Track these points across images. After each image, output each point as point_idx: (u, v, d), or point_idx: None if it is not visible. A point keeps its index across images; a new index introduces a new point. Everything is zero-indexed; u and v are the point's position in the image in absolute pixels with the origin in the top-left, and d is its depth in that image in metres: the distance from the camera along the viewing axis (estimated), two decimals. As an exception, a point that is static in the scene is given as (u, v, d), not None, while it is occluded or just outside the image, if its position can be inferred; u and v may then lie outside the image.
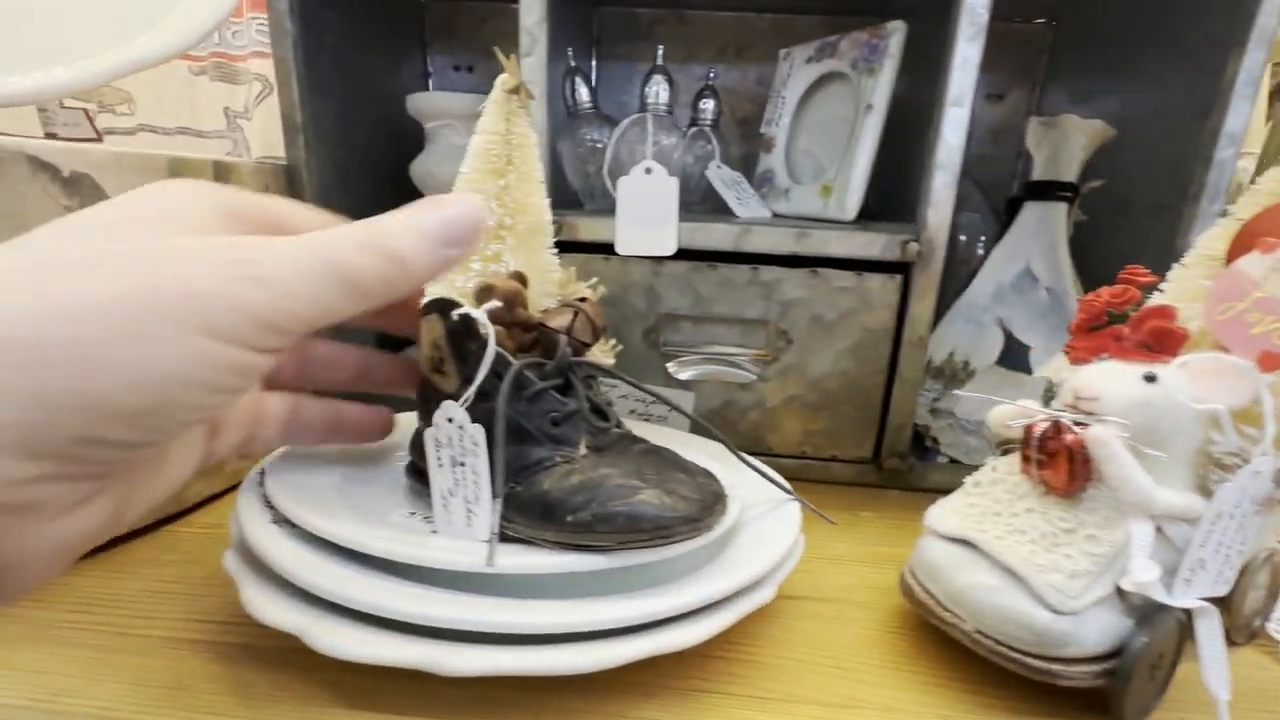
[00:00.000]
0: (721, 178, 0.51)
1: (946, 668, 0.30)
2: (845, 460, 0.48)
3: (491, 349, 0.27)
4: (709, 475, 0.29)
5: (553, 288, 0.34)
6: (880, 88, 0.45)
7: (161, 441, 0.18)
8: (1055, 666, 0.26)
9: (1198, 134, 0.42)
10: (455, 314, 0.28)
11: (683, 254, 0.44)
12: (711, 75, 0.55)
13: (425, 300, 0.30)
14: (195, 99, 0.72)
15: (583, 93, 0.48)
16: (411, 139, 0.66)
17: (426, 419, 0.29)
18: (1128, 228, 0.51)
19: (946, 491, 0.49)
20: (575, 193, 0.53)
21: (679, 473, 0.28)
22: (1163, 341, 0.29)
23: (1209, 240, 0.31)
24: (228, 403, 0.18)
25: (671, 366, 0.47)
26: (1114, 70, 0.55)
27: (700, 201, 0.55)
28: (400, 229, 0.20)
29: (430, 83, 0.68)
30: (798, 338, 0.45)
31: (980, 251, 0.55)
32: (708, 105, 0.53)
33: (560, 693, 0.27)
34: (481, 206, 0.22)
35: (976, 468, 0.48)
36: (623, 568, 0.27)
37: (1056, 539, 0.28)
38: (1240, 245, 0.30)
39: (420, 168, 0.53)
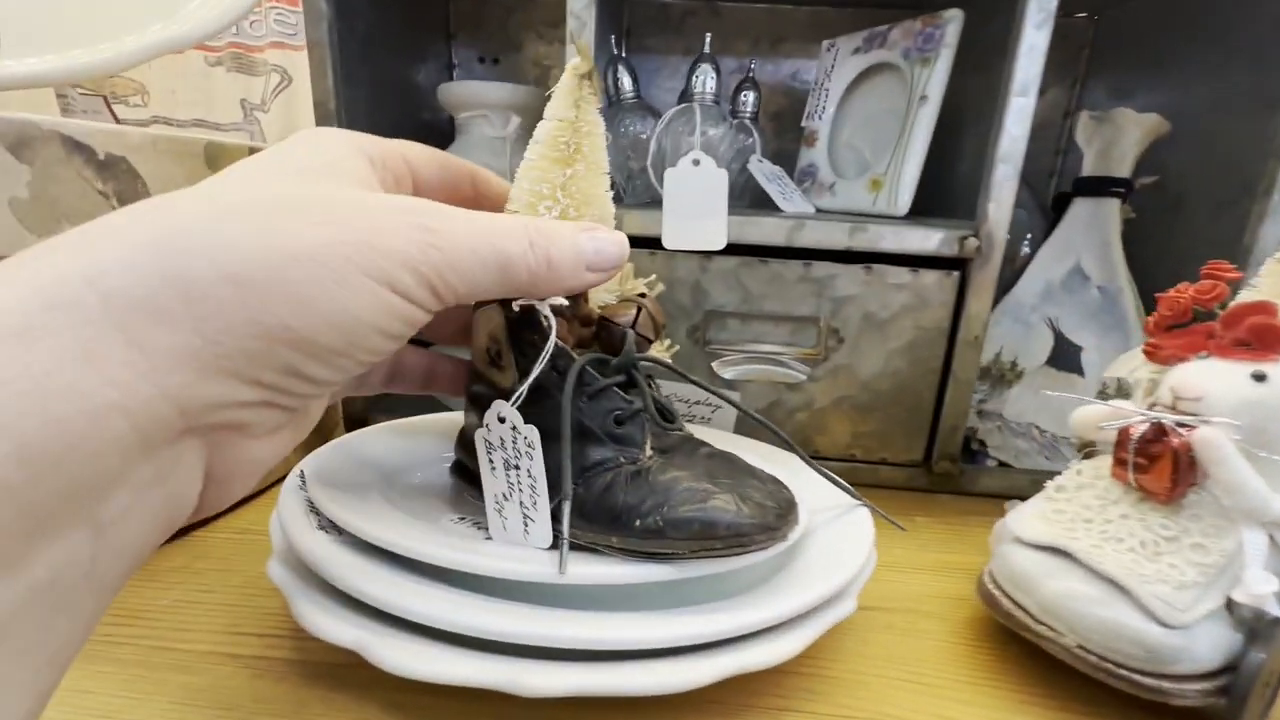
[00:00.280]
0: (763, 172, 0.50)
1: (1036, 683, 0.29)
2: (895, 463, 0.47)
3: (552, 341, 0.25)
4: (777, 481, 0.28)
5: (611, 283, 0.32)
6: (935, 78, 0.43)
7: (341, 381, 0.19)
8: (1166, 684, 0.25)
9: (1266, 127, 0.41)
10: (516, 304, 0.27)
11: (731, 249, 0.42)
12: (751, 66, 0.53)
13: None
14: (211, 90, 0.70)
15: (625, 82, 0.47)
16: (435, 131, 0.65)
17: (476, 417, 0.28)
18: (1182, 225, 0.49)
19: (998, 496, 0.48)
20: (616, 185, 0.51)
21: (750, 478, 0.27)
22: (1264, 338, 0.28)
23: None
24: (391, 350, 0.20)
25: (716, 365, 0.45)
26: (1160, 64, 0.54)
27: (738, 197, 0.54)
28: (562, 239, 0.22)
29: (454, 74, 0.66)
30: (849, 336, 0.44)
31: (1026, 249, 0.54)
32: (748, 97, 0.52)
33: (634, 712, 0.25)
34: (627, 244, 0.25)
35: (1029, 472, 0.48)
36: (695, 578, 0.25)
37: (1159, 547, 0.27)
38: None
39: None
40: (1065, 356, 0.50)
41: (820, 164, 0.52)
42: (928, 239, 0.41)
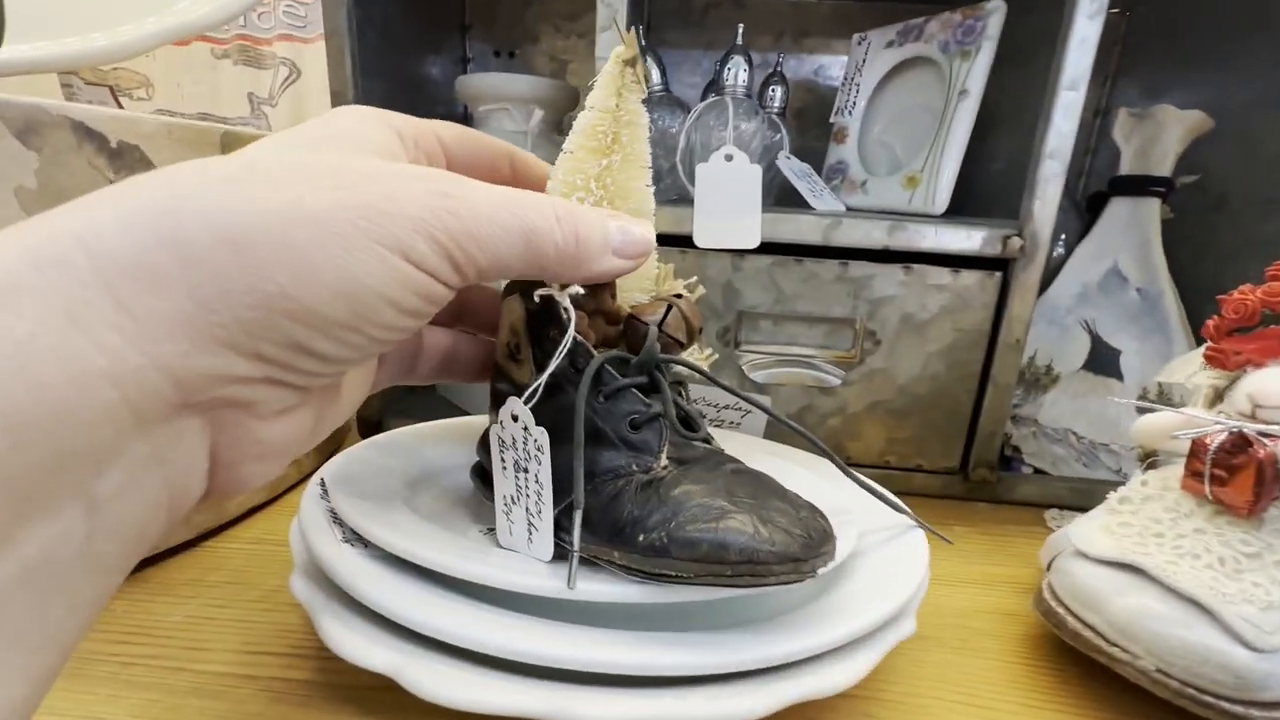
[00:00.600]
0: (792, 169, 0.48)
1: (1103, 706, 0.27)
2: (930, 471, 0.45)
3: (570, 335, 0.24)
4: (814, 509, 0.24)
5: (646, 283, 0.30)
6: (976, 71, 0.42)
7: (354, 361, 0.18)
8: (1256, 712, 0.23)
9: (1320, 124, 0.39)
10: (537, 294, 0.25)
11: (764, 248, 0.41)
12: (780, 60, 0.52)
13: (509, 280, 0.27)
14: (217, 83, 0.68)
15: (654, 75, 0.45)
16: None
17: (495, 414, 0.26)
18: (1225, 225, 0.48)
19: (1036, 505, 0.46)
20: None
21: (778, 501, 0.24)
22: (1347, 343, 0.26)
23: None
24: (410, 329, 0.19)
25: (746, 368, 0.43)
26: (1197, 60, 0.53)
27: (765, 194, 0.52)
28: (590, 219, 0.21)
29: (468, 68, 0.64)
30: (886, 338, 0.42)
31: (1060, 249, 0.52)
32: (776, 92, 0.50)
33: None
34: (654, 234, 0.24)
35: (1067, 479, 0.46)
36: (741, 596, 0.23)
37: (1239, 565, 0.25)
38: None
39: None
40: (1103, 360, 0.48)
41: (851, 161, 0.50)
42: (970, 238, 0.40)
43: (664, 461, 0.25)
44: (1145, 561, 0.26)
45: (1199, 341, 0.46)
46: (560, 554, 0.24)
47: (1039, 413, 0.49)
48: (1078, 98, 0.37)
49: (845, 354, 0.43)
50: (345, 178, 0.17)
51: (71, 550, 0.13)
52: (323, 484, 0.30)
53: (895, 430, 0.44)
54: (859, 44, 0.50)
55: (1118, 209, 0.49)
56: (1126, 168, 0.49)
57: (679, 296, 0.30)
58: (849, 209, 0.49)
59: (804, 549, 0.22)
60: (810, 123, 0.62)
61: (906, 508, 0.31)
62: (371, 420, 0.49)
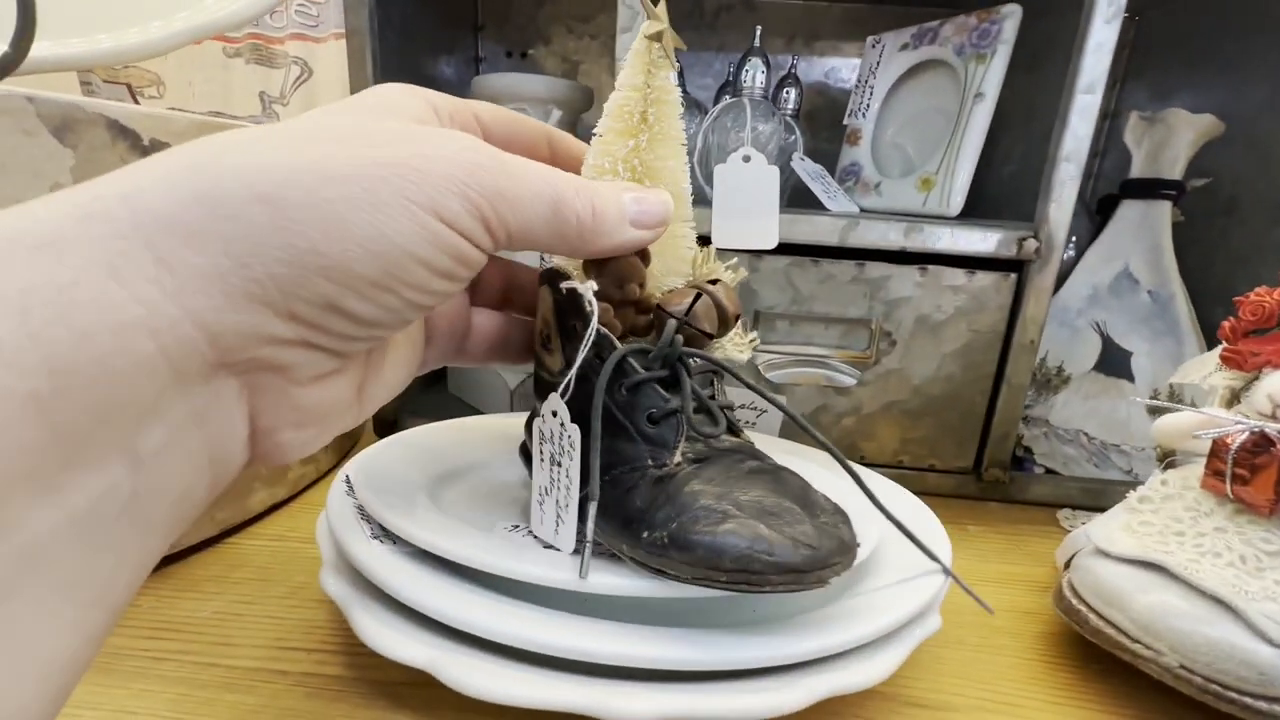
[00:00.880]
0: (806, 170, 0.48)
1: (1125, 703, 0.27)
2: (943, 470, 0.45)
3: (593, 328, 0.24)
4: (838, 514, 0.23)
5: (683, 266, 0.30)
6: (992, 75, 0.42)
7: (390, 326, 0.18)
8: (1279, 708, 0.23)
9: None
10: (563, 286, 0.25)
11: (781, 249, 0.41)
12: (794, 62, 0.52)
13: (543, 269, 0.27)
14: (229, 82, 0.68)
15: (672, 56, 0.45)
16: (462, 127, 0.63)
17: (538, 402, 0.26)
18: (1236, 229, 0.48)
19: (1048, 505, 0.46)
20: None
21: (795, 505, 0.22)
22: (1365, 345, 0.27)
23: None
24: (443, 292, 0.18)
25: (762, 367, 0.44)
26: (1204, 65, 0.53)
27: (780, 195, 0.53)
28: (606, 192, 0.21)
29: (480, 68, 0.65)
30: (901, 339, 0.43)
31: (1071, 251, 0.53)
32: (790, 94, 0.51)
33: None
34: (672, 203, 0.24)
35: (1078, 479, 0.46)
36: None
37: (1260, 563, 0.25)
38: None
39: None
40: (1114, 361, 0.49)
41: (864, 163, 0.51)
42: (985, 240, 0.40)
43: (678, 458, 0.24)
44: (1167, 560, 0.26)
45: (1210, 344, 0.47)
46: (578, 549, 0.24)
47: (1050, 413, 0.50)
48: (1094, 101, 0.38)
49: (861, 354, 0.43)
50: (378, 136, 0.17)
51: (117, 504, 0.13)
52: (348, 481, 0.31)
53: (910, 430, 0.44)
54: (873, 46, 0.51)
55: (1129, 212, 0.50)
56: (1137, 171, 0.49)
57: (714, 282, 0.30)
58: (863, 210, 0.49)
59: (808, 560, 0.21)
60: (821, 124, 0.63)
61: (930, 550, 0.28)
62: (387, 419, 0.49)
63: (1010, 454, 0.45)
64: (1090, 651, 0.29)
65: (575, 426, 0.24)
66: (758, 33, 0.45)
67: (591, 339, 0.23)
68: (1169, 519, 0.28)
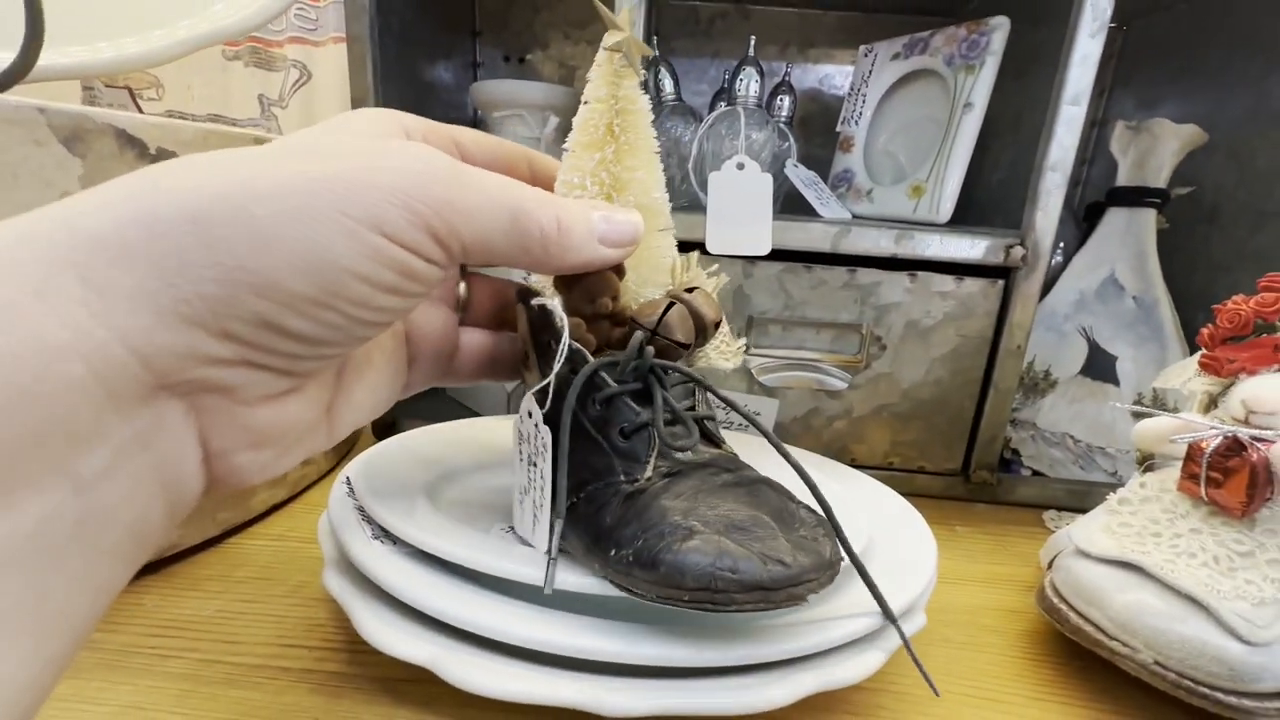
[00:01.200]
0: (800, 177, 0.49)
1: (1103, 698, 0.28)
2: (932, 472, 0.46)
3: (564, 343, 0.24)
4: (819, 527, 0.23)
5: (661, 275, 0.30)
6: (980, 85, 0.43)
7: (339, 343, 0.17)
8: (1248, 703, 0.24)
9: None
10: (534, 303, 0.25)
11: (774, 254, 0.42)
12: (788, 70, 0.53)
13: (518, 287, 0.28)
14: (228, 85, 0.68)
15: (666, 84, 0.46)
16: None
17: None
18: (1218, 237, 0.50)
19: (1034, 506, 0.47)
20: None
21: (769, 519, 0.22)
22: (1335, 353, 0.28)
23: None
24: (396, 308, 0.18)
25: (755, 371, 0.45)
26: (1189, 75, 0.54)
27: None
28: (573, 208, 0.21)
29: (478, 74, 0.65)
30: (891, 344, 0.43)
31: (1058, 258, 0.54)
32: (784, 102, 0.51)
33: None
34: (642, 222, 0.24)
35: (1064, 481, 0.47)
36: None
37: (1233, 563, 0.26)
38: None
39: (483, 160, 0.51)
40: (1100, 366, 0.50)
41: (856, 170, 0.51)
42: (974, 247, 0.41)
43: (649, 472, 0.24)
44: (1144, 560, 0.27)
45: (1193, 349, 0.48)
46: (560, 548, 0.24)
47: (1037, 417, 0.51)
48: (1079, 112, 0.39)
49: (852, 358, 0.44)
50: (318, 151, 0.16)
51: (62, 530, 0.13)
52: (349, 482, 0.31)
53: (899, 433, 0.45)
54: (865, 55, 0.51)
55: (1115, 219, 0.51)
56: (1123, 179, 0.50)
57: (692, 290, 0.30)
58: (855, 217, 0.50)
59: (778, 577, 0.20)
60: (815, 131, 0.63)
61: (887, 606, 0.24)
62: (385, 421, 0.49)
63: (998, 456, 0.46)
64: (1071, 648, 0.30)
65: (548, 429, 0.24)
66: (752, 42, 0.46)
67: (564, 354, 0.24)
68: (1147, 520, 0.29)
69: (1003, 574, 0.38)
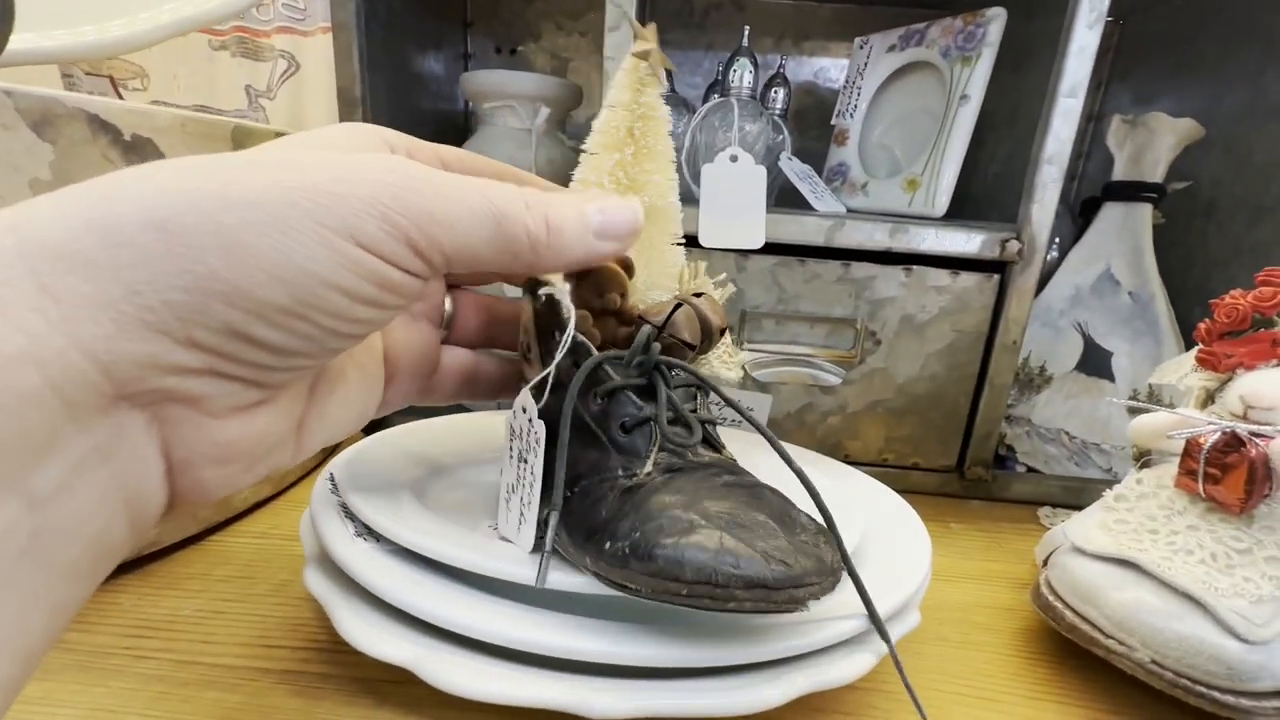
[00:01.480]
0: (794, 170, 0.49)
1: (1100, 697, 0.28)
2: (927, 469, 0.46)
3: (569, 334, 0.23)
4: (820, 534, 0.22)
5: (669, 280, 0.30)
6: (977, 77, 0.43)
7: (312, 355, 0.17)
8: (1246, 701, 0.24)
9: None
10: (541, 293, 0.25)
11: (768, 248, 0.41)
12: (783, 62, 0.52)
13: (526, 278, 0.27)
14: (214, 75, 0.67)
15: (660, 75, 0.45)
16: (450, 122, 0.63)
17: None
18: (1214, 231, 0.49)
19: (1029, 502, 0.47)
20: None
21: (771, 520, 0.21)
22: (1335, 347, 0.27)
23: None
24: (373, 320, 0.18)
25: (748, 365, 0.44)
26: (1186, 69, 0.54)
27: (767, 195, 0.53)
28: (564, 204, 0.20)
29: (469, 64, 0.64)
30: (886, 339, 0.43)
31: (1054, 253, 0.54)
32: (778, 94, 0.51)
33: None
34: (641, 211, 0.22)
35: (1060, 478, 0.47)
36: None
37: (1230, 560, 0.26)
38: None
39: (472, 150, 0.50)
40: (1095, 362, 0.49)
41: (851, 163, 0.51)
42: (969, 241, 0.41)
43: (649, 468, 0.23)
44: (1141, 557, 0.27)
45: (1189, 344, 0.48)
46: (537, 549, 0.24)
47: (1032, 413, 0.50)
48: (1076, 105, 0.38)
49: (846, 354, 0.43)
50: (302, 163, 0.16)
51: (15, 545, 0.13)
52: (332, 478, 0.31)
53: (894, 429, 0.45)
54: (861, 47, 0.51)
55: (1110, 214, 0.50)
56: (1119, 174, 0.50)
57: (699, 295, 0.30)
58: (849, 210, 0.49)
59: (780, 577, 0.19)
60: (809, 124, 0.63)
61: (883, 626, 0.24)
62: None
63: (993, 453, 0.45)
64: (1067, 647, 0.30)
65: (541, 423, 0.24)
66: (746, 32, 0.45)
67: (568, 345, 0.23)
68: (1144, 517, 0.29)
69: (998, 571, 0.38)
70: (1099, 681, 0.28)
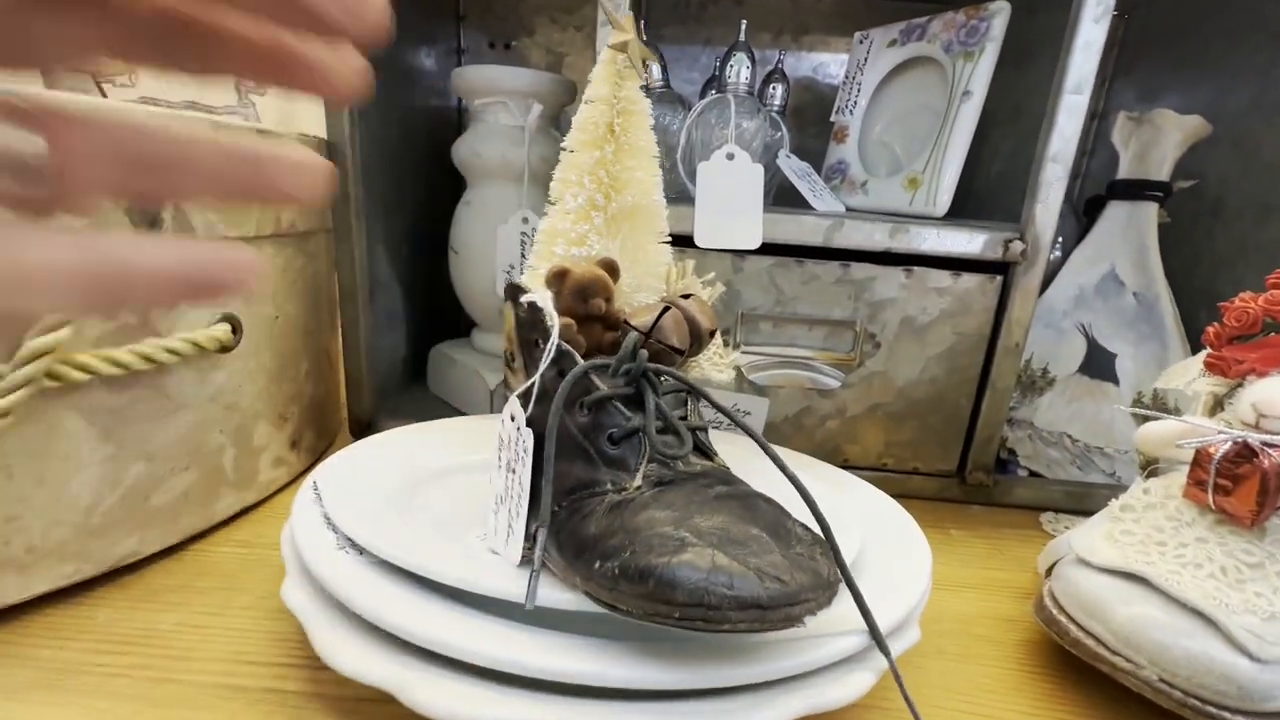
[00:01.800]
0: (792, 168, 0.48)
1: (1103, 714, 0.27)
2: (927, 473, 0.45)
3: (553, 343, 0.23)
4: (816, 545, 0.21)
5: (656, 281, 0.30)
6: (980, 73, 0.41)
7: None
8: (1257, 723, 0.23)
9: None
10: (524, 300, 0.24)
11: (765, 249, 0.40)
12: (781, 57, 0.51)
13: (507, 285, 0.26)
14: (203, 71, 0.66)
15: (654, 70, 0.44)
16: (442, 118, 0.62)
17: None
18: (1222, 230, 0.48)
19: (1031, 508, 0.46)
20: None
21: (765, 533, 0.20)
22: (1349, 354, 0.26)
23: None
24: None
25: (745, 369, 0.43)
26: (1192, 65, 0.53)
27: (764, 193, 0.52)
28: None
29: (462, 59, 0.63)
30: (886, 341, 0.42)
31: (1057, 252, 0.52)
32: (776, 90, 0.50)
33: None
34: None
35: (1062, 483, 0.46)
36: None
37: (1241, 574, 0.25)
38: None
39: (465, 148, 0.49)
40: (1099, 364, 0.48)
41: (851, 161, 0.50)
42: (971, 241, 0.40)
43: (638, 481, 0.23)
44: (1148, 571, 0.26)
45: (1194, 347, 0.47)
46: (531, 560, 0.23)
47: (1034, 416, 0.49)
48: (1082, 101, 0.37)
49: (845, 356, 0.42)
50: None
51: None
52: (316, 487, 0.30)
53: (893, 433, 0.44)
54: (861, 42, 0.50)
55: (1115, 213, 0.49)
56: (1124, 172, 0.49)
57: (688, 296, 0.29)
58: (849, 209, 0.48)
59: (775, 595, 0.18)
60: (808, 121, 0.62)
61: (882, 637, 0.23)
62: (364, 420, 0.48)
63: (994, 457, 0.44)
64: (1070, 661, 0.29)
65: (530, 431, 0.23)
66: (743, 27, 0.44)
67: (552, 354, 0.22)
68: (1151, 528, 0.28)
69: (999, 580, 0.37)
70: (1103, 698, 0.27)
